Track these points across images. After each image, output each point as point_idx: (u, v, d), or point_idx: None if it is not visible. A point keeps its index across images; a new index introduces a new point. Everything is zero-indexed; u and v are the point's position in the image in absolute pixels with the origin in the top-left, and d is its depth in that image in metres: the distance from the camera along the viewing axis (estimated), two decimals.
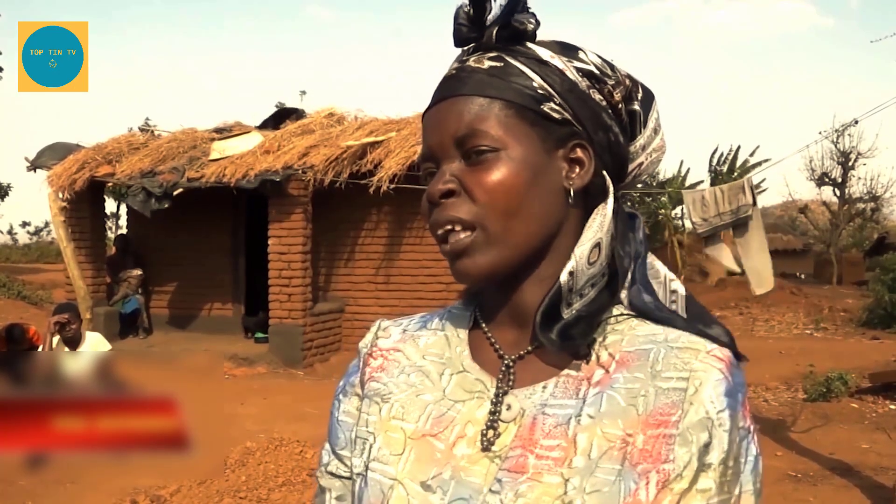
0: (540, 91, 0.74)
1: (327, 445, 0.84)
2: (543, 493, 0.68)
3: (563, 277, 0.73)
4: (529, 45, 0.76)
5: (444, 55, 0.81)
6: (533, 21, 0.75)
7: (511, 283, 0.77)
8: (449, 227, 0.74)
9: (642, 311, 0.76)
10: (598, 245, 0.75)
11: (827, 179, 22.55)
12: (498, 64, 0.75)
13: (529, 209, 0.73)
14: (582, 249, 0.74)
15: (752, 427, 0.71)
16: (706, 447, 0.67)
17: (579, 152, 0.76)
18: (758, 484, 0.71)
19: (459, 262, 0.74)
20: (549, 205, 0.75)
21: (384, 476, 0.74)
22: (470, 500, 0.70)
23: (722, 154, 21.47)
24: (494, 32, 0.75)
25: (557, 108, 0.75)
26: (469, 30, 0.77)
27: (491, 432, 0.73)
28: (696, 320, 0.76)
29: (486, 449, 0.72)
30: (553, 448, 0.70)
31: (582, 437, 0.70)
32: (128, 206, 11.54)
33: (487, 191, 0.73)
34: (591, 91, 0.77)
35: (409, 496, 0.72)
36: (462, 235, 0.74)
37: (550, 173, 0.75)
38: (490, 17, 0.75)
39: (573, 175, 0.76)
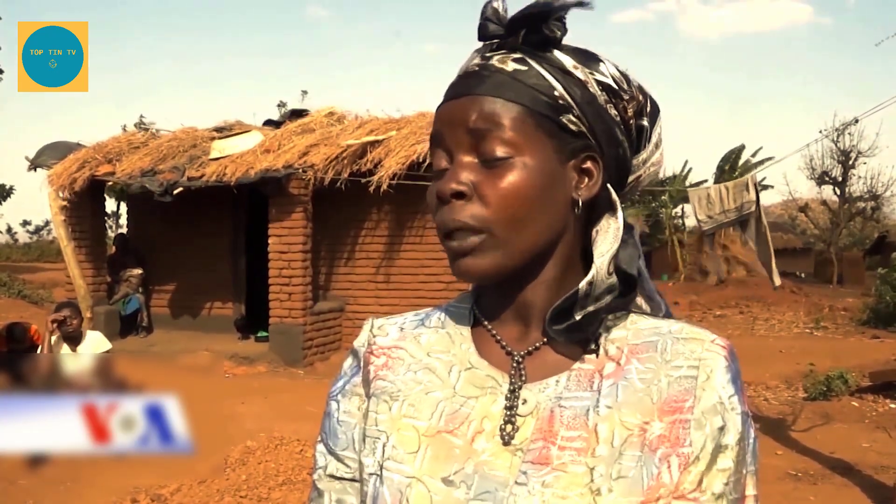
0: (560, 101, 0.74)
1: (322, 447, 0.83)
2: (570, 482, 0.69)
3: (583, 285, 0.75)
4: (554, 51, 0.76)
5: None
6: (561, 28, 0.74)
7: (513, 284, 0.78)
8: (456, 228, 0.74)
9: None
10: (615, 256, 0.76)
11: (827, 178, 22.53)
12: (522, 67, 0.74)
13: (538, 218, 0.74)
14: (602, 261, 0.76)
15: (749, 411, 0.75)
16: (721, 430, 0.71)
17: (590, 164, 0.77)
18: (756, 465, 0.75)
19: (462, 260, 0.75)
20: (556, 214, 0.76)
21: (401, 475, 0.74)
22: (496, 492, 0.71)
23: (730, 153, 21.49)
24: (522, 35, 0.75)
25: (575, 120, 0.75)
26: (496, 27, 0.76)
27: (509, 427, 0.74)
28: None
29: (506, 443, 0.73)
30: (574, 439, 0.72)
31: (603, 427, 0.71)
32: (128, 204, 11.55)
33: (501, 197, 0.73)
34: (608, 106, 0.77)
35: (431, 493, 0.72)
36: (471, 238, 0.74)
37: (561, 183, 0.75)
38: (522, 21, 0.74)
39: (582, 186, 0.77)
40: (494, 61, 0.75)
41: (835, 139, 20.87)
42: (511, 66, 0.75)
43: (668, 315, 0.81)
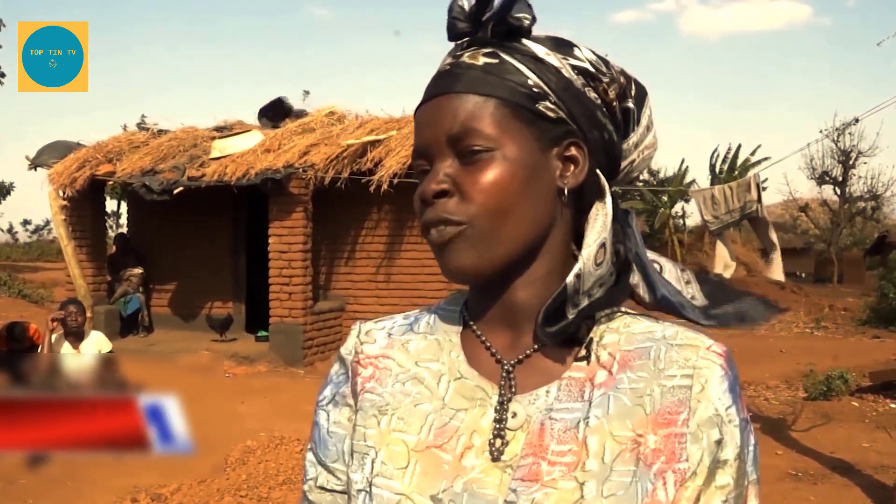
0: (535, 89, 0.73)
1: (312, 457, 0.81)
2: (560, 499, 0.67)
3: (570, 279, 0.72)
4: (525, 41, 0.75)
5: (445, 54, 0.80)
6: (529, 17, 0.73)
7: (501, 283, 0.76)
8: (436, 222, 0.73)
9: (663, 306, 0.79)
10: (603, 245, 0.74)
11: (827, 178, 22.52)
12: (493, 61, 0.73)
13: (522, 210, 0.72)
14: (589, 251, 0.73)
15: (748, 417, 0.73)
16: (718, 444, 0.69)
17: (574, 151, 0.75)
18: (758, 472, 0.73)
19: (445, 255, 0.73)
20: (542, 205, 0.74)
21: (390, 492, 0.72)
22: None
23: (719, 153, 21.47)
24: (490, 28, 0.74)
25: (552, 106, 0.74)
26: (464, 24, 0.75)
27: (499, 441, 0.71)
28: (722, 301, 0.81)
29: (496, 459, 0.71)
30: (565, 453, 0.69)
31: (592, 440, 0.69)
32: (128, 203, 11.54)
33: (481, 191, 0.71)
34: (585, 89, 0.75)
35: None
36: (451, 228, 0.72)
37: (544, 173, 0.74)
38: (487, 13, 0.74)
39: (567, 174, 0.75)
40: (465, 58, 0.75)
41: (835, 139, 20.85)
42: (482, 60, 0.74)
43: (664, 300, 0.79)
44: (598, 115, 0.76)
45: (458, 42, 0.77)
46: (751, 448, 0.72)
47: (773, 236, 7.29)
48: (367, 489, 0.74)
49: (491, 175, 0.71)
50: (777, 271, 7.27)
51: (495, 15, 0.73)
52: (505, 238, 0.72)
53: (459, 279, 0.75)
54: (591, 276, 0.73)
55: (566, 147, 0.75)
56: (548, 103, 0.73)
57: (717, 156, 21.18)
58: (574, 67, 0.75)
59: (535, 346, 0.75)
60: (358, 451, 0.76)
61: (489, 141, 0.72)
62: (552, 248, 0.76)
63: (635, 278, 0.79)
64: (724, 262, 7.39)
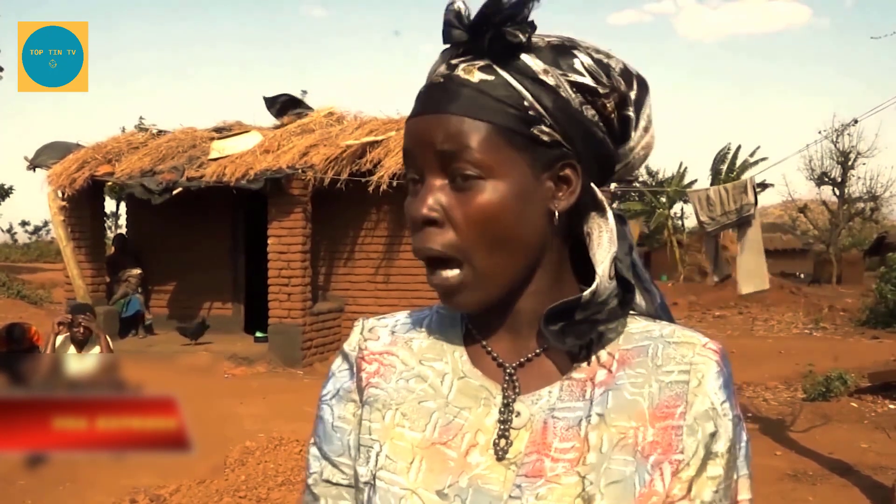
0: (531, 112, 0.71)
1: (315, 451, 0.82)
2: (563, 493, 0.69)
3: (586, 294, 0.73)
4: (523, 56, 0.72)
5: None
6: (528, 31, 0.71)
7: (502, 300, 0.76)
8: (430, 257, 0.73)
9: (662, 315, 0.80)
10: (614, 259, 0.75)
11: (826, 179, 22.55)
12: (488, 77, 0.71)
13: (516, 240, 0.72)
14: (603, 268, 0.74)
15: (741, 415, 0.74)
16: (712, 436, 0.71)
17: (567, 172, 0.74)
18: (749, 468, 0.74)
19: (450, 300, 0.75)
20: (535, 230, 0.73)
21: (396, 486, 0.73)
22: None
23: (722, 153, 21.50)
24: (487, 41, 0.71)
25: (548, 130, 0.72)
26: (459, 31, 0.72)
27: (503, 441, 0.73)
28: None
29: (500, 458, 0.72)
30: (567, 450, 0.71)
31: (593, 435, 0.71)
32: (127, 204, 11.54)
33: (473, 222, 0.71)
34: (584, 108, 0.73)
35: None
36: (449, 275, 0.73)
37: (537, 197, 0.73)
38: (485, 28, 0.71)
39: (560, 195, 0.74)
40: (460, 71, 0.72)
41: (834, 140, 20.88)
42: (477, 76, 0.71)
43: (662, 305, 0.80)
44: (596, 131, 0.75)
45: (453, 46, 0.74)
46: (742, 444, 0.73)
47: (762, 251, 7.12)
48: (372, 482, 0.75)
49: (482, 205, 0.71)
50: (747, 283, 7.07)
51: (492, 30, 0.70)
52: (501, 272, 0.73)
53: (463, 312, 0.79)
54: (606, 291, 0.74)
55: (560, 168, 0.74)
56: (543, 127, 0.71)
57: (721, 154, 21.19)
58: (572, 84, 0.72)
59: (537, 350, 0.76)
60: (363, 444, 0.77)
61: (480, 168, 0.70)
62: (548, 265, 0.77)
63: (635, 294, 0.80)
64: (750, 277, 7.14)
